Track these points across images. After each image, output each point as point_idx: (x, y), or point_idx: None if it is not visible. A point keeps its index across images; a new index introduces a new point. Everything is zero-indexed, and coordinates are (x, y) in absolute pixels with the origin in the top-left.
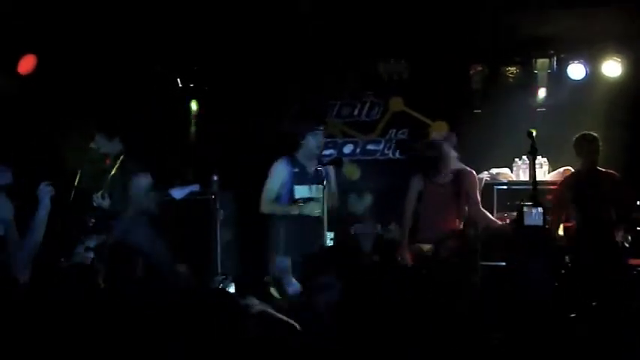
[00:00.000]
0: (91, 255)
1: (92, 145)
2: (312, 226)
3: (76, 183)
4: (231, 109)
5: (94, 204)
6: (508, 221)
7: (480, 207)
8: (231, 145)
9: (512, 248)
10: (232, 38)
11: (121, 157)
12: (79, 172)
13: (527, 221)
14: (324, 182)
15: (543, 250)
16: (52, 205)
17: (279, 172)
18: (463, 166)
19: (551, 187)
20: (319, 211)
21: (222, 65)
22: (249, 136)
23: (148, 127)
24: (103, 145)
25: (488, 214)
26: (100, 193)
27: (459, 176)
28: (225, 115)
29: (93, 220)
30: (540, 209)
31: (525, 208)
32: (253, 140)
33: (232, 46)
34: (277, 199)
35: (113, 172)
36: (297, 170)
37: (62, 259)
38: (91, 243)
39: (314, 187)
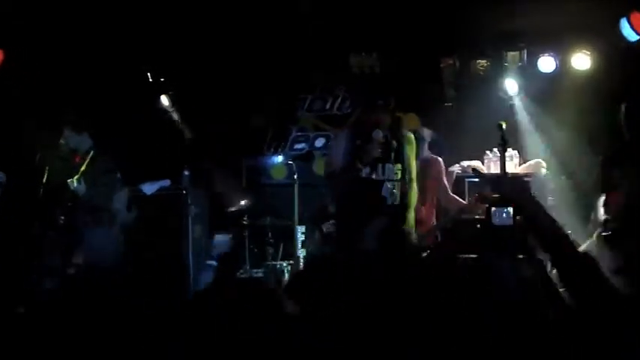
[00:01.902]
0: None
1: (61, 140)
2: None
3: (44, 179)
4: (202, 104)
5: (71, 188)
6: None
7: (450, 192)
8: (202, 141)
9: (482, 242)
10: (201, 34)
11: (91, 153)
12: (47, 168)
13: (496, 221)
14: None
15: (512, 250)
16: (20, 202)
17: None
18: (429, 154)
19: (525, 179)
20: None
21: (193, 61)
22: (220, 132)
23: (118, 122)
24: (71, 140)
25: (458, 198)
26: (75, 178)
27: (425, 165)
28: (197, 111)
29: (62, 217)
30: (510, 209)
31: (494, 208)
32: (224, 135)
33: (202, 42)
34: None
35: (84, 168)
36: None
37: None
38: None
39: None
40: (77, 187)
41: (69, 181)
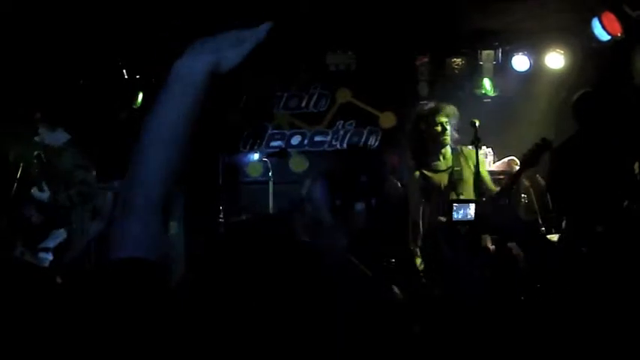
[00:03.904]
0: (50, 256)
1: (36, 138)
2: None
3: (18, 176)
4: None
5: (34, 197)
6: None
7: None
8: None
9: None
10: (178, 31)
11: (62, 148)
12: (21, 165)
13: (456, 216)
14: None
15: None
16: None
17: None
18: None
19: (498, 176)
20: None
21: (169, 58)
22: (196, 129)
23: (93, 117)
24: (46, 136)
25: None
26: (37, 186)
27: None
28: None
29: (34, 214)
30: (473, 205)
31: (455, 205)
32: (200, 132)
33: (178, 40)
34: None
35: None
36: None
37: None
38: (50, 243)
39: None
40: (40, 195)
41: (32, 190)
